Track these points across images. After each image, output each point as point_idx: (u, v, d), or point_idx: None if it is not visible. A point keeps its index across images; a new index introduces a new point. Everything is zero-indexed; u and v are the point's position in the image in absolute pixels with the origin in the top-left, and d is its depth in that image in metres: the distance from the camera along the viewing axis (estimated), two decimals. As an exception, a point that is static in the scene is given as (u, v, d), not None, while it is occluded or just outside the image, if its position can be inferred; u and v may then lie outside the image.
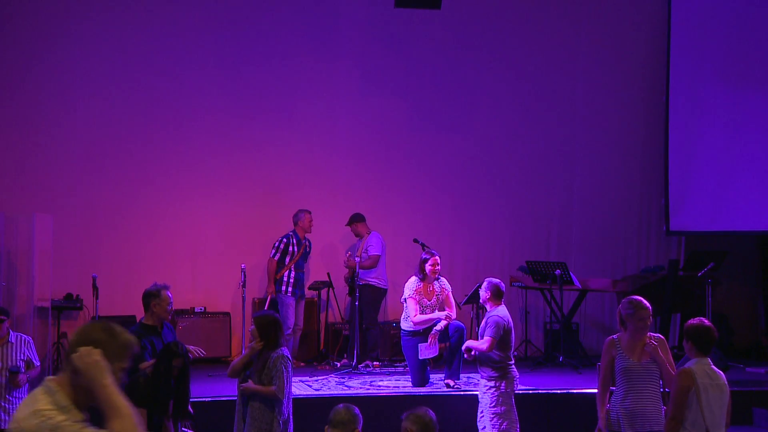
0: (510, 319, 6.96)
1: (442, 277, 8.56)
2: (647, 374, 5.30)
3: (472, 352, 6.96)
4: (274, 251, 9.88)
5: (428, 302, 8.38)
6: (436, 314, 8.30)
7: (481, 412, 6.87)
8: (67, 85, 10.38)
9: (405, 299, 8.40)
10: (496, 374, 6.77)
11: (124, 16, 10.56)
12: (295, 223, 10.04)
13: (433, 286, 8.40)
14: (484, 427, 6.81)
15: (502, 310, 6.91)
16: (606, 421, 5.36)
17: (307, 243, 10.09)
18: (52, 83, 10.33)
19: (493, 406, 6.72)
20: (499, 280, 7.07)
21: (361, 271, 9.79)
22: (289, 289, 9.82)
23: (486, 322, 6.87)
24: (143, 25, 10.62)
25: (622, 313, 5.39)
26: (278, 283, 9.83)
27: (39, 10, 10.31)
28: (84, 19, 10.44)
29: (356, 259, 9.76)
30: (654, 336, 5.41)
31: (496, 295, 6.94)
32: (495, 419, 6.71)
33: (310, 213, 10.06)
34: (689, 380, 4.90)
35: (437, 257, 8.38)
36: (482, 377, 6.89)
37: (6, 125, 10.22)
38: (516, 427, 6.76)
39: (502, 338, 6.79)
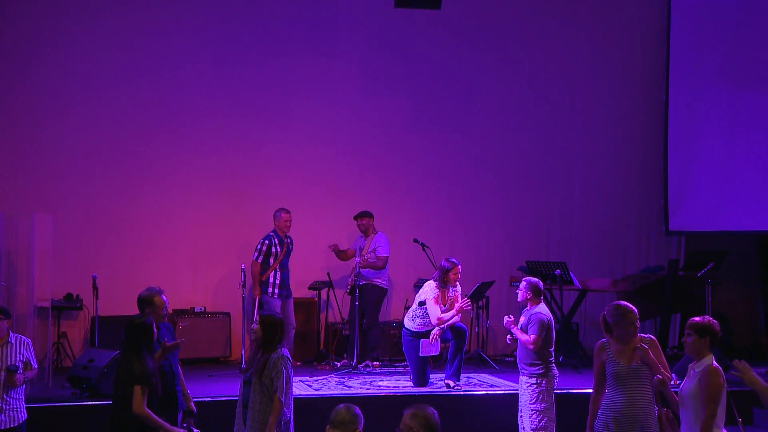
0: (551, 317, 7.00)
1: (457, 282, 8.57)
2: (638, 377, 5.28)
3: (514, 336, 6.98)
4: (256, 254, 9.74)
5: (443, 308, 8.38)
6: (455, 312, 8.35)
7: (521, 409, 6.88)
8: (66, 86, 10.38)
9: (423, 301, 8.36)
10: (538, 372, 6.80)
11: (123, 16, 10.56)
12: (275, 223, 9.95)
13: (448, 293, 8.41)
14: (524, 428, 6.82)
15: (543, 308, 6.95)
16: (593, 425, 5.37)
17: (289, 241, 9.96)
18: (52, 83, 10.33)
19: (534, 403, 6.76)
20: (537, 279, 7.10)
21: (365, 271, 9.79)
22: (275, 290, 9.70)
23: (528, 319, 6.87)
24: (143, 25, 10.62)
25: (608, 320, 5.35)
26: (264, 284, 9.72)
27: (38, 11, 10.31)
28: (83, 20, 10.44)
29: (358, 258, 9.75)
30: (644, 338, 5.40)
31: (536, 294, 6.98)
32: (534, 415, 6.74)
33: (287, 212, 9.90)
34: (722, 378, 4.94)
35: (459, 266, 8.39)
36: (523, 374, 6.90)
37: (6, 125, 10.21)
38: (553, 426, 6.78)
39: (545, 336, 6.80)
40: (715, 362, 5.00)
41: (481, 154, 11.62)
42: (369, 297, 9.86)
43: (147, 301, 5.99)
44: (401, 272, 11.07)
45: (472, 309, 10.42)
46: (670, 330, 10.91)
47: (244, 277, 9.09)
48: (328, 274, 10.56)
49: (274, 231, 9.88)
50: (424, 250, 10.11)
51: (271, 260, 9.77)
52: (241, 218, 10.77)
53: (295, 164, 11.02)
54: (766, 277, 12.18)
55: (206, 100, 10.79)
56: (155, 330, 5.60)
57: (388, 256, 10.06)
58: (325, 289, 10.63)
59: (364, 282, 9.74)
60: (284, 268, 9.84)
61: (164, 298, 6.03)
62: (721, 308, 10.81)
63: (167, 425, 5.51)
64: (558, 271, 9.81)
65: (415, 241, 10.29)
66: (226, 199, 10.82)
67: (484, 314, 10.66)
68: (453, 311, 8.33)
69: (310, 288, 10.62)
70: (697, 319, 5.16)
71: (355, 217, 10.28)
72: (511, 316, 7.07)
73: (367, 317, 9.83)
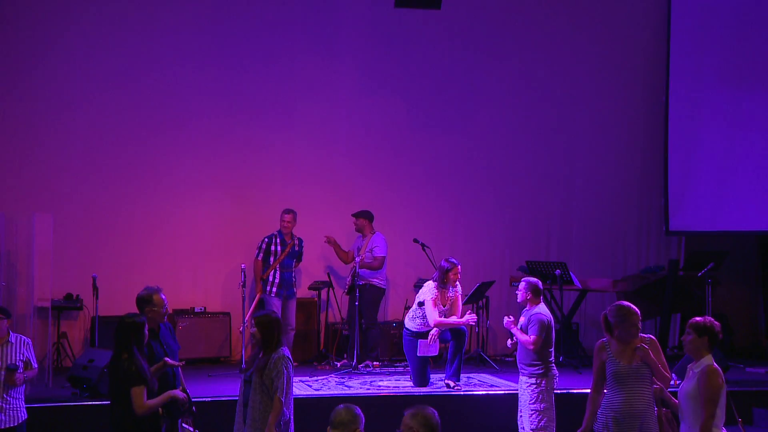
0: (551, 317, 6.99)
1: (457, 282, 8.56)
2: (638, 377, 5.28)
3: (513, 339, 6.99)
4: (257, 251, 9.87)
5: (443, 308, 8.38)
6: (459, 320, 8.33)
7: (521, 410, 6.89)
8: (66, 85, 10.37)
9: (422, 302, 8.36)
10: (538, 372, 6.80)
11: (123, 16, 10.55)
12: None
13: (448, 293, 8.41)
14: (524, 428, 6.83)
15: (543, 308, 6.96)
16: (590, 423, 5.37)
17: (295, 242, 9.99)
18: (52, 83, 10.32)
19: (533, 403, 6.77)
20: (536, 279, 7.10)
21: (363, 271, 9.79)
22: (274, 289, 9.75)
23: (528, 320, 6.87)
24: (142, 26, 10.61)
25: (610, 320, 5.35)
26: (264, 283, 9.78)
27: (38, 11, 10.31)
28: (83, 20, 10.43)
29: (357, 258, 9.76)
30: (645, 338, 5.40)
31: (536, 294, 6.98)
32: (534, 415, 6.75)
33: (287, 213, 9.94)
34: (722, 378, 4.95)
35: (459, 266, 8.40)
36: (523, 374, 6.90)
37: (6, 125, 10.21)
38: (553, 426, 6.78)
39: (545, 336, 6.81)
40: (714, 363, 5.01)
41: (481, 154, 11.61)
42: (366, 297, 9.85)
43: (146, 300, 5.98)
44: (401, 272, 11.07)
45: (472, 309, 10.41)
46: (670, 330, 10.91)
47: (244, 277, 9.09)
48: (329, 274, 10.56)
49: (278, 231, 9.92)
50: (424, 250, 10.11)
51: (271, 259, 9.79)
52: (241, 218, 10.77)
53: (295, 164, 11.02)
54: (766, 277, 12.18)
55: (206, 101, 10.79)
56: (146, 329, 5.59)
57: (385, 257, 10.07)
58: (325, 289, 10.63)
59: (362, 282, 9.75)
60: (285, 267, 9.85)
61: (163, 296, 6.02)
62: (721, 308, 10.81)
63: (169, 393, 5.56)
64: (558, 271, 9.81)
65: (415, 241, 10.29)
66: (226, 199, 10.81)
67: (484, 314, 10.65)
68: (455, 318, 8.32)
69: (310, 288, 10.62)
70: (698, 318, 5.18)
71: (354, 215, 10.29)
72: (511, 317, 7.07)
73: (365, 317, 9.83)
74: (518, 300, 7.12)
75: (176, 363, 5.88)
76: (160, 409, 5.53)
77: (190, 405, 5.80)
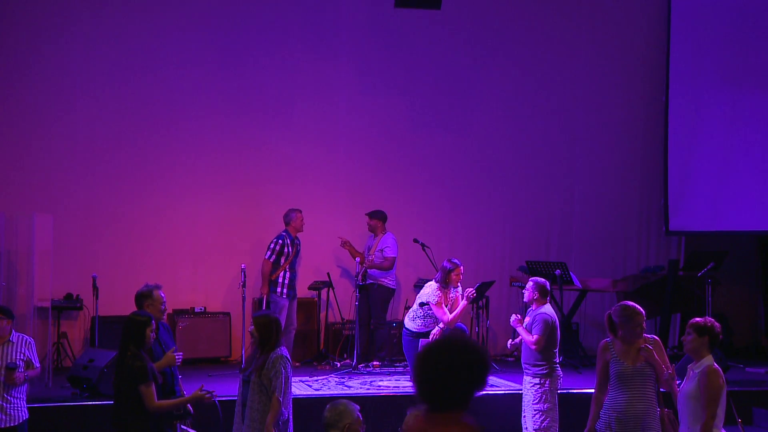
0: (556, 318, 6.99)
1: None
2: (642, 377, 5.28)
3: (516, 340, 6.99)
4: (269, 253, 9.76)
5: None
6: (463, 303, 8.33)
7: (524, 410, 6.88)
8: (66, 85, 10.38)
9: (423, 302, 8.36)
10: (542, 372, 6.79)
11: (123, 15, 10.56)
12: (287, 223, 9.93)
13: (450, 293, 8.41)
14: (527, 428, 6.83)
15: (548, 309, 6.94)
16: (593, 423, 5.37)
17: (298, 242, 10.03)
18: (52, 83, 10.33)
19: (536, 403, 6.75)
20: (544, 280, 7.09)
21: (373, 270, 9.80)
22: (284, 290, 9.74)
23: (533, 319, 6.86)
24: (142, 25, 10.61)
25: (615, 320, 5.34)
26: (273, 284, 9.74)
27: (38, 10, 10.31)
28: (83, 19, 10.43)
29: (370, 257, 9.77)
30: (649, 338, 5.39)
31: (543, 294, 6.96)
32: (537, 416, 6.73)
33: (301, 212, 9.97)
34: (722, 379, 4.95)
35: (462, 267, 8.38)
36: (527, 374, 6.89)
37: (6, 125, 10.21)
38: (556, 427, 6.77)
39: (549, 336, 6.80)
40: (714, 363, 5.01)
41: (480, 154, 11.61)
42: (376, 297, 9.89)
43: (145, 295, 6.01)
44: (401, 272, 11.05)
45: (472, 309, 10.42)
46: (670, 330, 10.91)
47: (244, 277, 9.08)
48: (328, 274, 10.55)
49: (286, 231, 9.89)
50: (424, 250, 10.11)
51: (282, 260, 9.77)
52: (241, 218, 10.77)
53: (295, 164, 11.02)
54: (766, 277, 12.18)
55: (206, 101, 10.79)
56: (153, 324, 5.58)
57: (395, 257, 10.08)
58: (325, 289, 10.63)
59: (370, 281, 9.76)
60: (293, 268, 9.87)
61: (162, 294, 6.04)
62: (721, 308, 10.82)
63: (183, 399, 5.64)
64: (558, 271, 9.80)
65: (415, 241, 10.29)
66: (226, 200, 10.81)
67: (484, 314, 10.65)
68: (462, 303, 8.32)
69: (310, 288, 10.62)
70: (698, 318, 5.18)
71: (368, 214, 10.31)
72: (518, 315, 7.06)
73: (374, 317, 9.87)
74: (525, 299, 7.12)
75: (175, 355, 5.91)
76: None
77: (187, 409, 5.81)
